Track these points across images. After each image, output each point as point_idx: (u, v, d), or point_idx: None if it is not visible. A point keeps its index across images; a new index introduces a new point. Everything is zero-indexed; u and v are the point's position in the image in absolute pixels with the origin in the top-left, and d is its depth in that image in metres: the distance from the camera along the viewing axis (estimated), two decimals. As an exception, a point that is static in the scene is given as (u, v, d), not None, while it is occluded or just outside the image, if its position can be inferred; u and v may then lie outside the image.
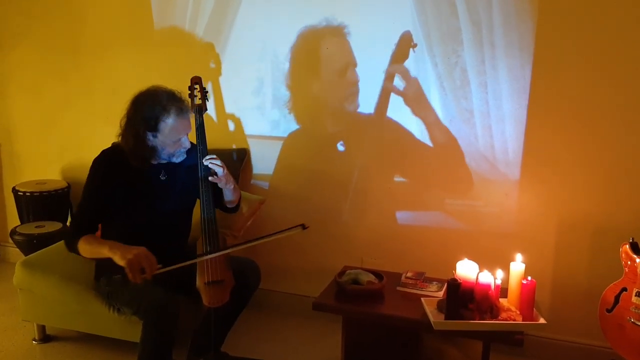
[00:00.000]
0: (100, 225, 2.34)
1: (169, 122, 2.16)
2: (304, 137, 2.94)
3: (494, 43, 2.50)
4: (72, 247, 2.19)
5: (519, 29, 2.45)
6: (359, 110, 2.79)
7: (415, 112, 2.68)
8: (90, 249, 2.15)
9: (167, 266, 2.07)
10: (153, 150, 2.22)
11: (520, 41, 2.46)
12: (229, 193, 2.37)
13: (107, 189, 2.23)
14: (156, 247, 2.20)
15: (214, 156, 2.27)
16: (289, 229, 2.17)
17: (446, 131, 2.64)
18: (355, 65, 2.75)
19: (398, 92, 2.70)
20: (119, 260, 2.03)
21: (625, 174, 2.42)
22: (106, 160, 2.26)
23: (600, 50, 2.36)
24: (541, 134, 2.51)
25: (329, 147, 2.88)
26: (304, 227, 2.16)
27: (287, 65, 2.86)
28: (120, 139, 2.23)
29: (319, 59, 2.81)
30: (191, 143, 2.42)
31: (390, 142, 2.77)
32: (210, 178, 2.27)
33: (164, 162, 2.28)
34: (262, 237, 2.21)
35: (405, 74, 2.67)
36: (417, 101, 2.67)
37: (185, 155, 2.28)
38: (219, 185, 2.30)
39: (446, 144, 2.65)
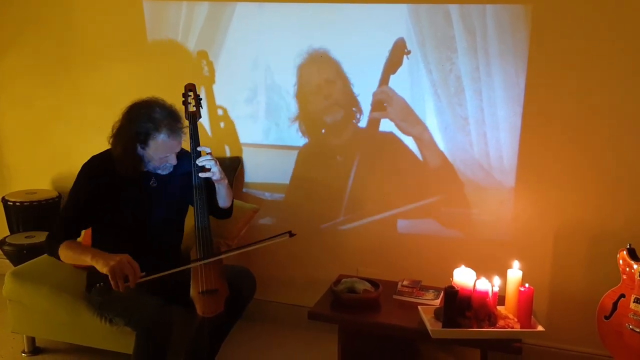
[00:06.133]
0: (91, 232, 2.31)
1: (158, 140, 2.14)
2: (303, 148, 2.92)
3: (488, 51, 2.51)
4: (52, 251, 2.15)
5: (513, 36, 2.46)
6: (354, 121, 2.78)
7: (408, 132, 2.70)
8: (72, 255, 2.11)
9: (154, 273, 2.04)
10: (140, 160, 2.20)
11: (514, 48, 2.47)
12: (222, 191, 2.33)
13: (94, 195, 2.20)
14: (147, 254, 2.18)
15: (207, 156, 2.22)
16: (276, 236, 2.16)
17: (437, 149, 2.65)
18: (345, 77, 2.74)
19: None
20: (102, 268, 2.00)
21: (622, 180, 2.42)
22: (94, 166, 2.24)
23: (594, 57, 2.38)
24: (536, 141, 2.51)
25: (325, 156, 2.87)
26: (291, 234, 2.15)
27: (281, 74, 2.85)
28: (110, 141, 2.21)
29: (313, 70, 2.80)
30: (185, 151, 2.40)
31: (385, 151, 2.76)
32: (201, 174, 2.23)
33: (153, 172, 2.26)
34: (249, 245, 2.19)
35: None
36: (405, 120, 2.68)
37: (171, 169, 2.26)
38: (213, 178, 2.25)
39: (440, 154, 2.65)
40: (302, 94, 2.85)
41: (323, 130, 2.86)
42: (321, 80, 2.80)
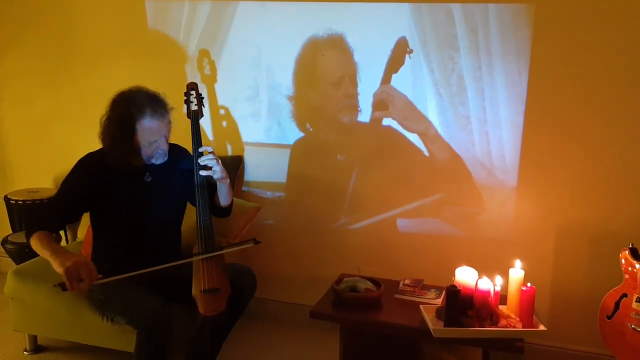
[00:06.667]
0: (91, 228, 2.30)
1: (143, 123, 2.12)
2: (301, 145, 2.92)
3: (491, 50, 2.50)
4: (28, 237, 2.13)
5: (515, 35, 2.45)
6: (358, 119, 2.77)
7: (413, 129, 2.69)
8: (39, 246, 2.08)
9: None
10: (130, 150, 2.17)
11: (517, 47, 2.46)
12: (224, 190, 2.32)
13: (86, 192, 2.19)
14: (146, 252, 2.18)
15: (210, 155, 2.23)
16: (241, 242, 2.22)
17: (443, 141, 2.63)
18: (352, 76, 2.74)
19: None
20: (57, 268, 1.96)
21: (625, 179, 2.41)
22: (87, 164, 2.23)
23: (597, 56, 2.37)
24: (538, 140, 2.51)
25: (327, 154, 2.87)
26: (255, 241, 2.19)
27: (282, 73, 2.85)
28: (100, 137, 2.20)
29: (315, 68, 2.80)
30: (186, 150, 2.40)
31: (387, 150, 2.75)
32: (203, 172, 2.23)
33: (148, 163, 2.24)
34: (213, 251, 2.22)
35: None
36: (408, 118, 2.67)
37: (165, 158, 2.24)
38: (214, 177, 2.24)
39: (444, 152, 2.65)
40: (299, 91, 2.84)
41: (322, 126, 2.86)
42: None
